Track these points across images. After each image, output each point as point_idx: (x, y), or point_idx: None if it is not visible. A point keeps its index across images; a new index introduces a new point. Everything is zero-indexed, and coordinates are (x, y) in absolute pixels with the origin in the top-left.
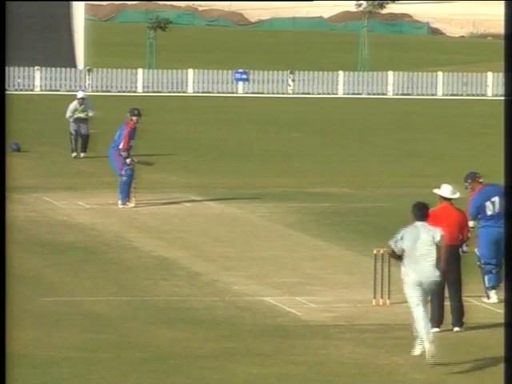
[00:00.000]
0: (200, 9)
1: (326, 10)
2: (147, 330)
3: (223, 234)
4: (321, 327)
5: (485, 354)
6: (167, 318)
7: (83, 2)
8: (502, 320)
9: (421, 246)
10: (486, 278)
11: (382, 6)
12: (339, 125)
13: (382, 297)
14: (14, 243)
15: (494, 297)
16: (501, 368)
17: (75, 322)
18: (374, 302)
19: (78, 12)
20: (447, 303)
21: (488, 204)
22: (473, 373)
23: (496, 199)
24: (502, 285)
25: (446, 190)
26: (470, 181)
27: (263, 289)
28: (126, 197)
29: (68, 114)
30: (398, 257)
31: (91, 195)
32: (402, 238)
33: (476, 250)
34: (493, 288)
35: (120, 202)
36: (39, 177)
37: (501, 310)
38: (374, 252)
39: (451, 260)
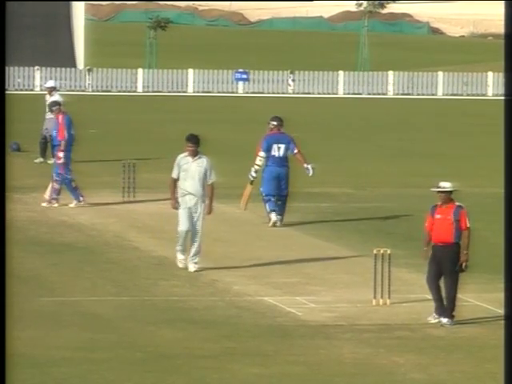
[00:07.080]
0: (200, 9)
1: (326, 10)
2: (147, 330)
3: (223, 234)
4: (321, 327)
5: (485, 354)
6: (167, 317)
7: (83, 2)
8: (502, 320)
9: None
10: (266, 205)
11: (382, 6)
12: (339, 125)
13: (382, 297)
14: (14, 243)
15: (273, 217)
16: (501, 368)
17: (75, 321)
18: (374, 302)
19: (78, 12)
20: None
21: (275, 147)
22: (473, 373)
23: (282, 146)
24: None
25: (446, 184)
26: (275, 123)
27: (263, 289)
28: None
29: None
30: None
31: (91, 195)
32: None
33: (260, 187)
34: (272, 211)
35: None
36: (39, 177)
37: (501, 310)
38: (374, 252)
39: (450, 254)
